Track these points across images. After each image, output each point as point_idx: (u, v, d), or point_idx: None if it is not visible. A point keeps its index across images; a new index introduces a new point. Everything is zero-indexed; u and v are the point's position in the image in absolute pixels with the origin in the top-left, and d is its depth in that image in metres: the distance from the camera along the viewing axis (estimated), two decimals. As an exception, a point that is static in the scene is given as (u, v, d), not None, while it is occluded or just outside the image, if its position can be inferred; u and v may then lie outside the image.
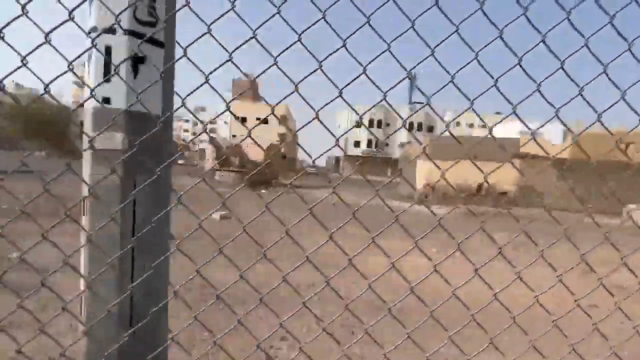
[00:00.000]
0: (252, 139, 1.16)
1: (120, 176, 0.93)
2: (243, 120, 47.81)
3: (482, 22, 1.08)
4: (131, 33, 0.92)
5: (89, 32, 0.95)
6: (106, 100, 0.92)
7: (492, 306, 1.38)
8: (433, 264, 1.31)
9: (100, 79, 0.91)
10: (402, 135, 49.65)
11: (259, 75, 1.05)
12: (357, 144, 54.97)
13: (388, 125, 54.47)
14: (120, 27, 0.91)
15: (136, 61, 0.93)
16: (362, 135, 54.64)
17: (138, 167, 0.95)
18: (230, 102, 0.98)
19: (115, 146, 0.92)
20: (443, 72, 1.05)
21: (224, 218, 9.81)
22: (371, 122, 52.91)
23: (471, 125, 54.94)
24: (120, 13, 0.88)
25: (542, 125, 1.39)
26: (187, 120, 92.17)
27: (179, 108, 1.04)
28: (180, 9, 0.99)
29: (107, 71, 0.92)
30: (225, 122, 58.75)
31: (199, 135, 3.34)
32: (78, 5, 0.85)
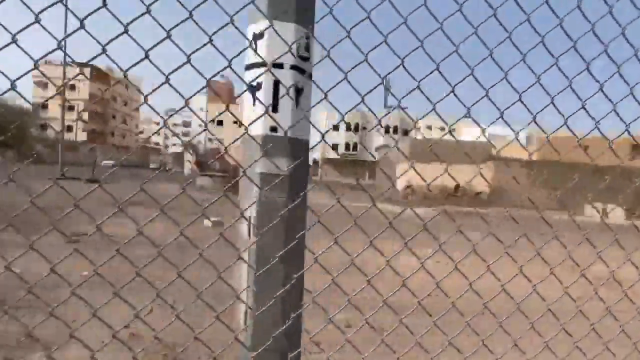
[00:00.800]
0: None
1: (284, 198, 1.01)
2: (219, 123, 46.99)
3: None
4: (294, 67, 1.01)
5: (251, 67, 1.03)
6: (274, 129, 1.00)
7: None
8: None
9: (269, 110, 1.00)
10: (379, 139, 50.66)
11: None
12: (334, 147, 55.51)
13: (365, 128, 55.49)
14: (287, 63, 1.00)
15: (297, 93, 1.02)
16: (340, 138, 55.25)
17: (295, 188, 1.04)
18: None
19: (281, 170, 1.01)
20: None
21: (216, 225, 9.68)
22: (348, 125, 53.56)
23: (442, 129, 57.01)
24: (294, 47, 0.97)
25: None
26: (157, 123, 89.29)
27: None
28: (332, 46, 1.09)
29: (276, 102, 1.00)
30: (200, 125, 57.45)
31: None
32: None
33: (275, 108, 1.00)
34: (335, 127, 52.11)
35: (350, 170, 51.65)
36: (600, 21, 1.40)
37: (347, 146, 56.02)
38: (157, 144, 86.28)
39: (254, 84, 1.01)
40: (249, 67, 1.03)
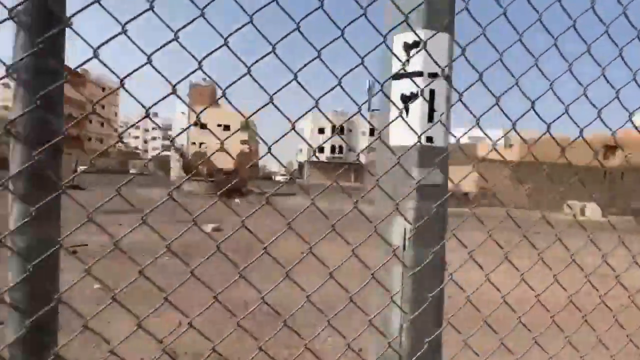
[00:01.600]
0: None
1: (437, 207, 1.01)
2: (203, 126, 46.04)
3: None
4: (447, 78, 1.01)
5: (402, 76, 1.02)
6: (430, 140, 1.00)
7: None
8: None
9: (425, 120, 0.99)
10: (365, 141, 51.23)
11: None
12: (320, 149, 55.68)
13: (350, 131, 55.92)
14: (441, 73, 1.00)
15: (447, 103, 1.03)
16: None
17: (444, 197, 1.04)
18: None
19: (438, 181, 1.01)
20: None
21: (216, 230, 9.51)
22: (334, 128, 53.90)
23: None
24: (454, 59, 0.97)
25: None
26: (137, 128, 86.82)
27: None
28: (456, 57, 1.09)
29: (432, 112, 1.00)
30: (182, 128, 56.21)
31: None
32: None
33: (431, 118, 1.00)
34: (321, 131, 52.26)
35: (335, 173, 51.77)
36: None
37: (332, 149, 56.24)
38: (136, 148, 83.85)
39: (408, 93, 1.00)
40: (399, 76, 1.02)
